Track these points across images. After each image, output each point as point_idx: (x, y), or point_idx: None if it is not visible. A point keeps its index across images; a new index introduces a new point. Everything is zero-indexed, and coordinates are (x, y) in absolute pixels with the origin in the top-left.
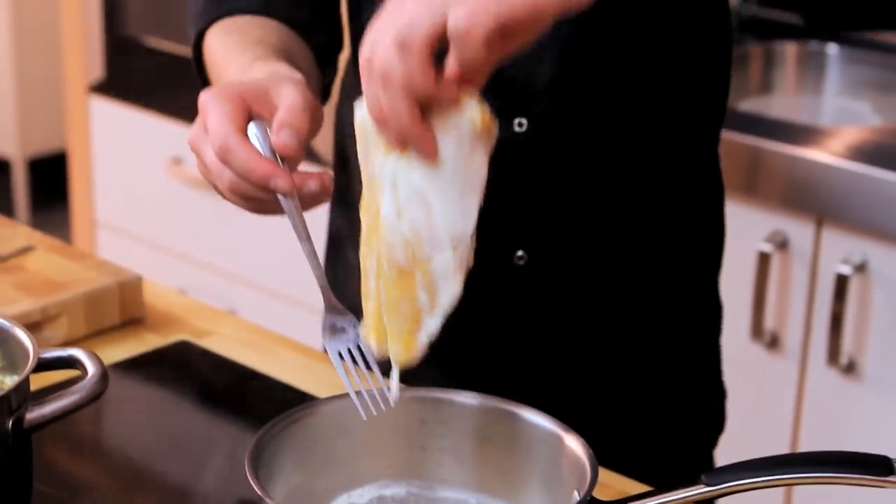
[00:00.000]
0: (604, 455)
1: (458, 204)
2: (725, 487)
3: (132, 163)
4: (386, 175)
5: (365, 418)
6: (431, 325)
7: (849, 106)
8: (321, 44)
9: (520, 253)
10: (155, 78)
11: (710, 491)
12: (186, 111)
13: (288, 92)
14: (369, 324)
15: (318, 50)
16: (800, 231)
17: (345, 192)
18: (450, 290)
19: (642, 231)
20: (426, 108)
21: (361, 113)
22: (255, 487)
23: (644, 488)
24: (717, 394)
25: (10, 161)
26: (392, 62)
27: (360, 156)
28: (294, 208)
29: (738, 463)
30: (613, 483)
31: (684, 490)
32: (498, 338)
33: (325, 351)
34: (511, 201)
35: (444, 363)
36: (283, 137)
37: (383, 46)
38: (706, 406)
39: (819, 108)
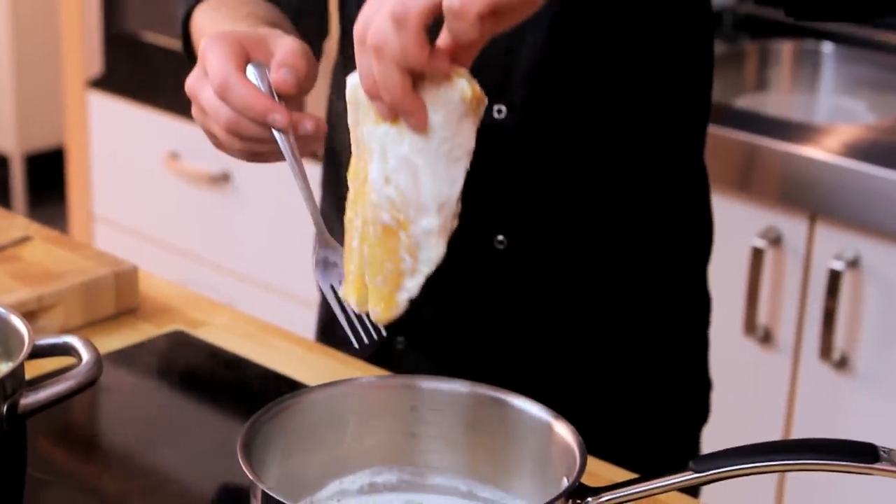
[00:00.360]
0: (587, 441)
1: (446, 171)
2: (713, 474)
3: (130, 158)
4: (375, 142)
5: (357, 347)
6: (411, 286)
7: (843, 104)
8: (307, 28)
9: (500, 237)
10: (153, 73)
11: (698, 477)
12: (184, 106)
13: (285, 40)
14: (350, 282)
15: (303, 34)
16: (793, 227)
17: (334, 179)
18: (432, 252)
19: (624, 220)
20: (417, 80)
21: (353, 82)
22: (247, 473)
23: (632, 477)
24: (702, 385)
25: (8, 156)
26: (387, 35)
27: (350, 122)
28: (290, 146)
29: (726, 450)
30: (602, 472)
31: (672, 476)
32: (480, 322)
33: (319, 289)
34: (490, 186)
35: (428, 348)
36: (282, 74)
37: (378, 20)
38: (691, 396)
39: (814, 106)
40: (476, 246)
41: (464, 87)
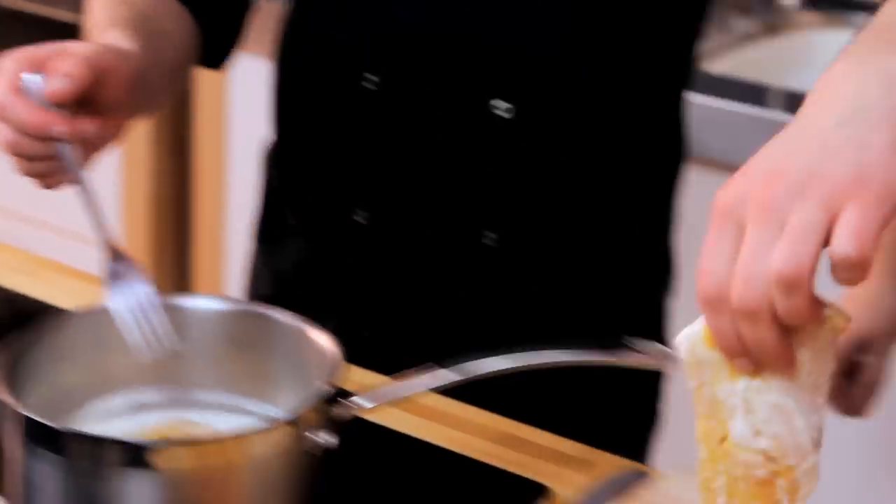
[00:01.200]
0: (586, 436)
1: (813, 403)
2: (465, 375)
3: None
4: (735, 398)
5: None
6: None
7: None
8: (208, 16)
9: (490, 234)
10: None
11: (453, 381)
12: None
13: (77, 48)
14: None
15: (205, 21)
16: None
17: (280, 151)
18: (812, 486)
19: (614, 213)
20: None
21: (689, 344)
22: (3, 396)
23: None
24: None
25: None
26: (771, 299)
27: (691, 386)
28: (73, 156)
29: (485, 354)
30: (362, 379)
31: (425, 379)
32: (469, 318)
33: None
34: (481, 182)
35: (417, 344)
36: (54, 84)
37: (756, 283)
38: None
39: None
40: (465, 242)
41: (837, 320)
